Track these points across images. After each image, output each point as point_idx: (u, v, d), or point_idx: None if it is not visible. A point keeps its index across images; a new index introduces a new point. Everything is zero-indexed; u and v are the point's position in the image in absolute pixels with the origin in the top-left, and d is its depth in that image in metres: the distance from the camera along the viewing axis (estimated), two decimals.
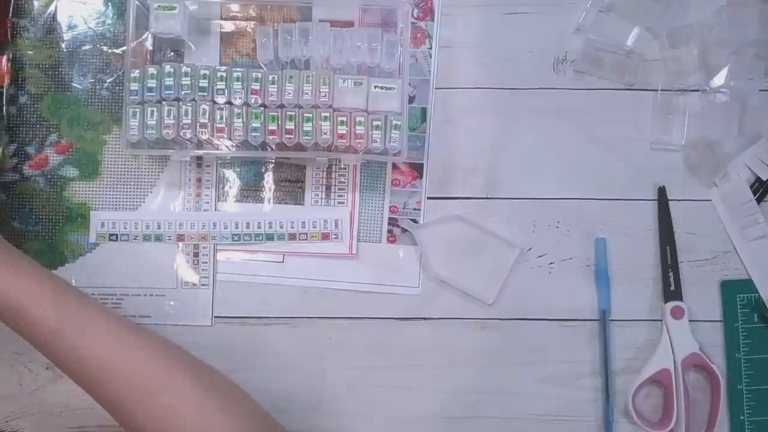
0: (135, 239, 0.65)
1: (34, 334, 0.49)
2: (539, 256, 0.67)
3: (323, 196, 0.66)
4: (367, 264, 0.66)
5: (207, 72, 0.61)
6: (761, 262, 0.66)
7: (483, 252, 0.66)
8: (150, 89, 0.60)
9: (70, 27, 0.66)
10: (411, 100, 0.66)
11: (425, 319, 0.66)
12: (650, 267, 0.67)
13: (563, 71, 0.67)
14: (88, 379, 0.50)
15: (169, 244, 0.65)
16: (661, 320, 0.66)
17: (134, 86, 0.60)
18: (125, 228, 0.65)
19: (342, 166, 0.66)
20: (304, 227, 0.66)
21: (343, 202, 0.66)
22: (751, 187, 0.67)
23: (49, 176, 0.65)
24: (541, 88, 0.67)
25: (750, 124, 0.67)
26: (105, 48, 0.66)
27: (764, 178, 0.67)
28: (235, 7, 0.66)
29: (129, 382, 0.49)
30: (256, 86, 0.61)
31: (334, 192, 0.66)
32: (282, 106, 0.61)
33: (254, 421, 0.52)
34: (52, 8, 0.65)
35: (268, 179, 0.66)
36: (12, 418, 0.64)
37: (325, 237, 0.66)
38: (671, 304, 0.66)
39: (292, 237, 0.66)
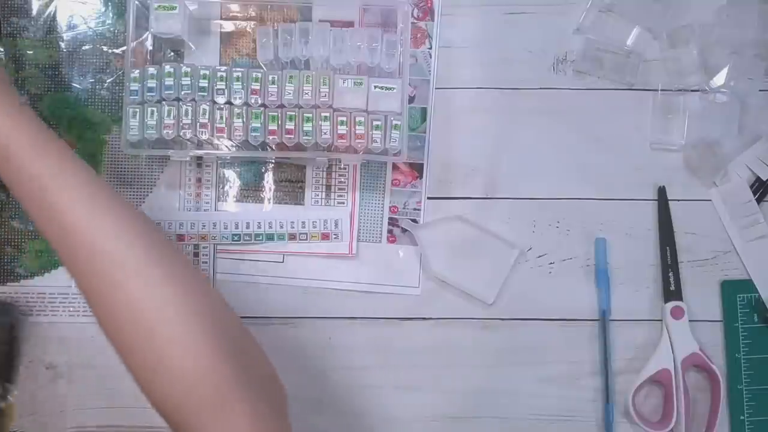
0: None
1: (22, 183, 0.49)
2: (539, 256, 0.67)
3: (323, 196, 0.66)
4: (367, 264, 0.66)
5: (207, 72, 0.61)
6: (761, 262, 0.66)
7: (483, 252, 0.66)
8: (150, 89, 0.60)
9: (70, 27, 0.66)
10: (411, 100, 0.66)
11: (425, 319, 0.66)
12: (650, 267, 0.67)
13: (563, 71, 0.67)
14: (65, 247, 0.48)
15: None
16: (661, 320, 0.66)
17: (134, 86, 0.60)
18: None
19: (342, 166, 0.66)
20: (304, 227, 0.66)
21: (343, 202, 0.66)
22: (751, 187, 0.67)
23: None
24: (541, 88, 0.67)
25: (750, 124, 0.67)
26: (105, 48, 0.66)
27: (764, 178, 0.67)
28: (235, 7, 0.66)
29: (99, 257, 0.47)
30: (256, 86, 0.61)
31: (334, 192, 0.66)
32: (282, 106, 0.61)
33: (226, 336, 0.48)
34: (51, 8, 0.65)
35: (268, 179, 0.66)
36: None
37: (325, 237, 0.66)
38: (671, 304, 0.66)
39: (292, 237, 0.66)
